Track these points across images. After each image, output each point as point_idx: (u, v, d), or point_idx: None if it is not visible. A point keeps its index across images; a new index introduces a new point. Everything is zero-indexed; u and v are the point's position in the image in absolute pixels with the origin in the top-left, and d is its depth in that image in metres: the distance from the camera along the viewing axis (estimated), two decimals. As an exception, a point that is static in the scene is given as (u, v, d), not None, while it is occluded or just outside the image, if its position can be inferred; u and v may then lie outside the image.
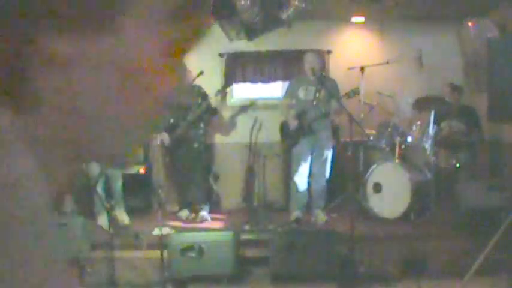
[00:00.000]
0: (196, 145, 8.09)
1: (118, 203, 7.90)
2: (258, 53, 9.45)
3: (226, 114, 9.48)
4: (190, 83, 8.19)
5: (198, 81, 8.15)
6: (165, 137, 8.14)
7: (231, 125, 9.61)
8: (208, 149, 8.39)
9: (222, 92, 8.27)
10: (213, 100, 8.09)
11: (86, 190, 8.29)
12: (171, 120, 8.12)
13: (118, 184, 7.89)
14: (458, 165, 7.91)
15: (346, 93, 7.36)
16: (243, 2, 6.82)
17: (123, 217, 7.84)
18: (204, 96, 8.16)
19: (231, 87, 8.55)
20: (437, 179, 7.55)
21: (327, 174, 7.80)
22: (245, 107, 8.99)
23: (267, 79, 9.55)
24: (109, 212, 6.62)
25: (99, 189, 7.40)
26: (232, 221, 8.06)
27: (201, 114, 8.08)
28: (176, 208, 8.62)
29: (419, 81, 9.01)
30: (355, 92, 7.34)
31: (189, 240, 6.20)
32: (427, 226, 7.16)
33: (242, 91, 9.74)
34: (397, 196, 7.51)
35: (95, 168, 7.58)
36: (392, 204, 7.56)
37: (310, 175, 7.88)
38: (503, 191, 6.98)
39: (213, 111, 8.24)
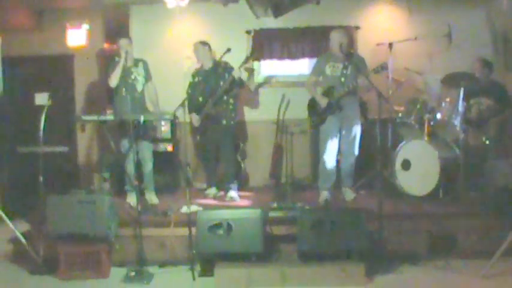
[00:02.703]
0: (224, 122, 8.07)
1: (148, 186, 7.93)
2: (285, 30, 9.39)
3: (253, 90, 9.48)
4: (216, 59, 8.18)
5: (225, 58, 8.12)
6: (195, 117, 8.13)
7: (259, 102, 9.59)
8: (236, 126, 8.35)
9: (247, 63, 8.17)
10: (239, 73, 8.00)
11: (117, 168, 8.37)
12: (200, 99, 8.10)
13: (148, 167, 7.90)
14: (487, 142, 7.81)
15: (373, 69, 7.27)
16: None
17: (152, 198, 7.88)
18: (230, 69, 8.10)
19: (256, 61, 8.44)
20: (466, 157, 7.46)
21: (356, 151, 7.73)
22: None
23: (294, 56, 9.47)
24: (137, 191, 6.65)
25: (130, 168, 7.41)
26: (260, 198, 8.08)
27: (228, 87, 8.03)
28: (204, 186, 8.64)
29: (448, 58, 8.89)
30: (382, 67, 7.25)
31: (217, 217, 6.20)
32: (456, 204, 7.09)
33: (269, 68, 9.70)
34: (426, 173, 7.45)
35: (125, 145, 7.61)
36: (421, 181, 7.51)
37: (338, 153, 7.83)
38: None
39: (240, 83, 8.14)
